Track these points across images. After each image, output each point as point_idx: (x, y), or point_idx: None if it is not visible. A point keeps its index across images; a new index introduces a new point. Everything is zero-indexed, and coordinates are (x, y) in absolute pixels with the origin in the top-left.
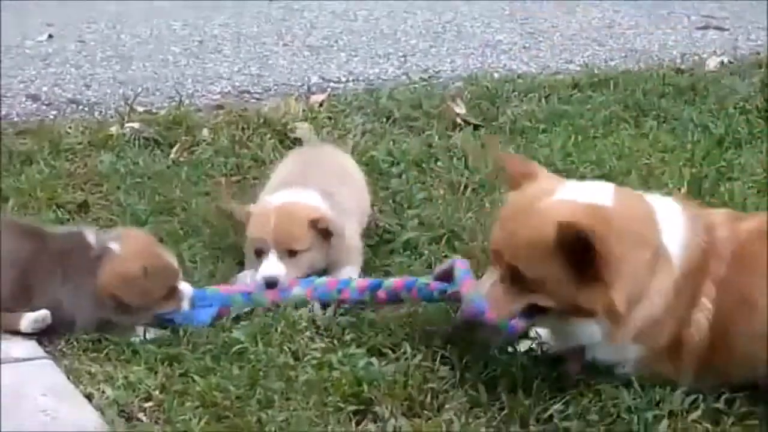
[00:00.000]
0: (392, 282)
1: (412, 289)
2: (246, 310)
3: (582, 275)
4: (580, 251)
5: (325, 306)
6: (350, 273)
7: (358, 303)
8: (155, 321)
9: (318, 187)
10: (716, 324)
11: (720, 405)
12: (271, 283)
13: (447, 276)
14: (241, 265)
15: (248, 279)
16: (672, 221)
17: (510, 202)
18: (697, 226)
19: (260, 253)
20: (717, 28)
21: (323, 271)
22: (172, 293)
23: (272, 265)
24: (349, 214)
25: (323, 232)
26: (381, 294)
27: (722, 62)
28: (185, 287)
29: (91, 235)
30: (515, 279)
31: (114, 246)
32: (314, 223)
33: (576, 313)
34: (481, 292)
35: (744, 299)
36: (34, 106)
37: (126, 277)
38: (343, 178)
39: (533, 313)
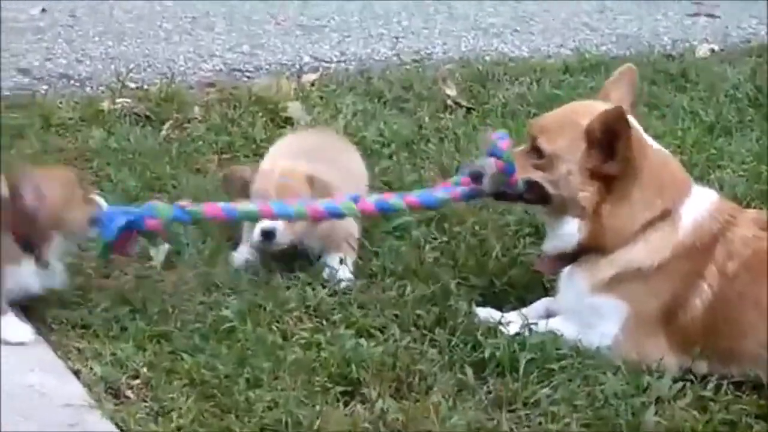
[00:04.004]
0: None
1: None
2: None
3: (591, 170)
4: (607, 140)
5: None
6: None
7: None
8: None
9: (322, 163)
10: (714, 315)
11: (707, 392)
12: (268, 234)
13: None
14: (232, 242)
15: (243, 257)
16: (699, 200)
17: None
18: (719, 216)
19: None
20: (708, 15)
21: (317, 257)
22: (85, 200)
23: None
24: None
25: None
26: (366, 204)
27: (713, 50)
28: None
29: None
30: (533, 150)
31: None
32: (311, 180)
33: (568, 207)
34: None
35: (757, 303)
36: (26, 80)
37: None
38: (342, 164)
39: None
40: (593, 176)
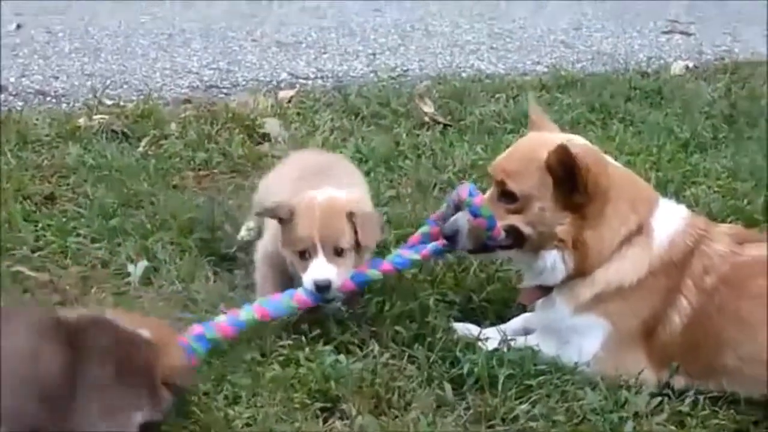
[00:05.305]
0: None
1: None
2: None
3: (563, 202)
4: (567, 175)
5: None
6: None
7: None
8: None
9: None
10: (693, 330)
11: (685, 407)
12: (323, 288)
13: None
14: (210, 258)
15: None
16: (670, 215)
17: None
18: (692, 230)
19: (306, 255)
20: (682, 32)
21: None
22: None
23: (323, 267)
24: None
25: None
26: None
27: (687, 67)
28: None
29: (118, 320)
30: (503, 195)
31: (145, 333)
32: (350, 216)
33: (545, 242)
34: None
35: (739, 318)
36: (1, 96)
37: (181, 364)
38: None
39: (509, 243)
40: (565, 207)
